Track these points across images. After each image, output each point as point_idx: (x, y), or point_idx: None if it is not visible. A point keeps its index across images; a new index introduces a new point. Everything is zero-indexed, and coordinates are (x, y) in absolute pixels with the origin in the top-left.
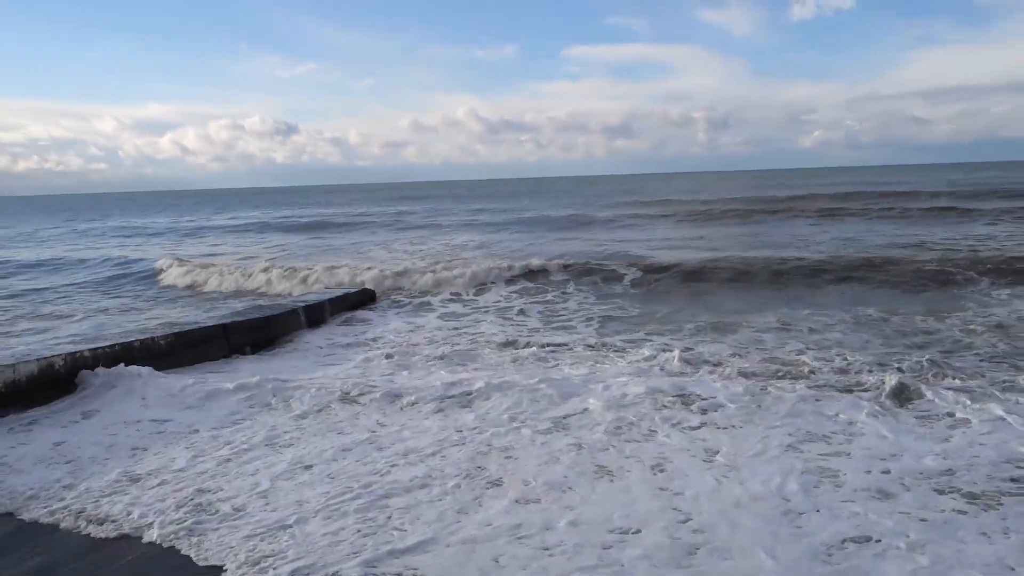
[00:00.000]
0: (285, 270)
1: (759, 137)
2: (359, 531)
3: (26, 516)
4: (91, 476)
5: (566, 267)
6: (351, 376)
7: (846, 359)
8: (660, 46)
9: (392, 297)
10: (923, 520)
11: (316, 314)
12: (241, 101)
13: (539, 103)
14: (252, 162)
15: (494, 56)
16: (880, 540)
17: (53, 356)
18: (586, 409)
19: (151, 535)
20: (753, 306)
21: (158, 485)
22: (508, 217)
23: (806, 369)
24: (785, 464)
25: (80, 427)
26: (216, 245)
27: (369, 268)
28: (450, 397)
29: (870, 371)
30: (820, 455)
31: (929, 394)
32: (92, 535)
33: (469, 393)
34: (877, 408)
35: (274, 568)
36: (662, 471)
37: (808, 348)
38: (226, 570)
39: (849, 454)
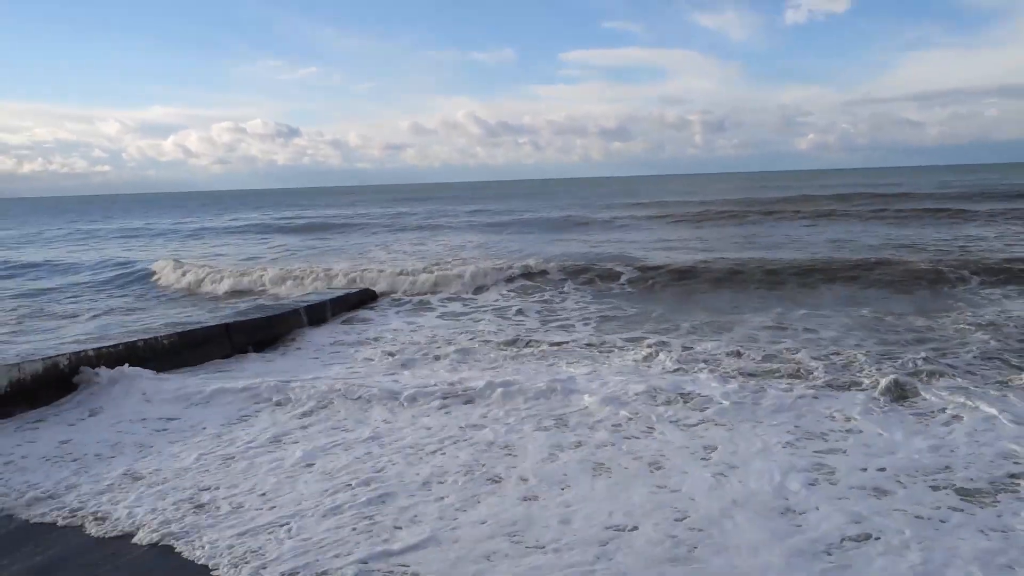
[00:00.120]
0: (285, 271)
1: (754, 140)
2: (356, 529)
3: (28, 515)
4: (95, 475)
5: (564, 268)
6: (352, 375)
7: (841, 358)
8: (656, 50)
9: (392, 297)
10: (919, 517)
11: (318, 314)
12: (243, 104)
13: (537, 106)
14: (254, 164)
15: (492, 59)
16: (878, 538)
17: (58, 356)
18: (585, 407)
19: (149, 535)
20: (749, 306)
21: (160, 484)
22: (506, 218)
23: (802, 368)
24: (782, 462)
25: (86, 426)
26: (218, 246)
27: (369, 269)
28: (450, 395)
29: (865, 370)
30: (816, 452)
31: (924, 392)
32: (92, 534)
33: (469, 391)
34: (873, 406)
35: (267, 568)
36: (659, 468)
37: (804, 347)
38: (220, 570)
39: (845, 451)
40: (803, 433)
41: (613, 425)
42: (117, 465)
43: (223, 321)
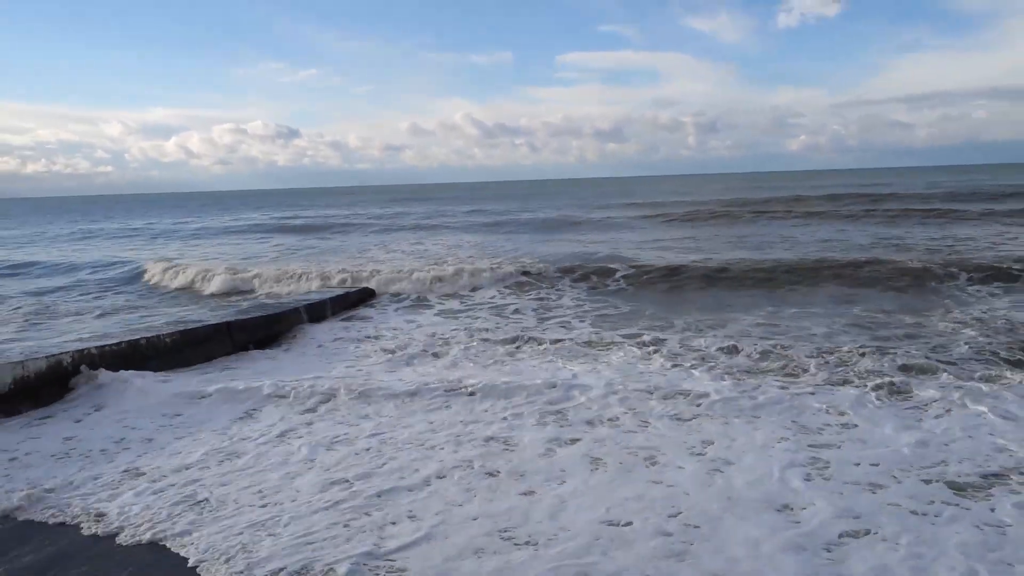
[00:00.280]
0: (285, 270)
1: (747, 141)
2: (350, 527)
3: (28, 513)
4: (96, 472)
5: (560, 267)
6: (352, 373)
7: (834, 355)
8: (651, 53)
9: (391, 296)
10: (913, 512)
11: (318, 312)
12: (244, 106)
13: (534, 108)
14: (254, 165)
15: (490, 62)
16: (873, 532)
17: (61, 353)
18: (582, 403)
19: (144, 533)
20: (741, 304)
21: (159, 481)
22: (504, 218)
23: (796, 364)
24: (777, 457)
25: (89, 423)
26: (218, 245)
27: (368, 268)
28: (450, 392)
29: (857, 366)
30: (811, 447)
31: (916, 388)
32: (89, 532)
33: (468, 388)
34: (865, 401)
35: (259, 566)
36: (655, 463)
37: (797, 344)
38: (210, 568)
39: (839, 446)
40: (797, 428)
41: (609, 420)
42: (118, 462)
43: (224, 320)
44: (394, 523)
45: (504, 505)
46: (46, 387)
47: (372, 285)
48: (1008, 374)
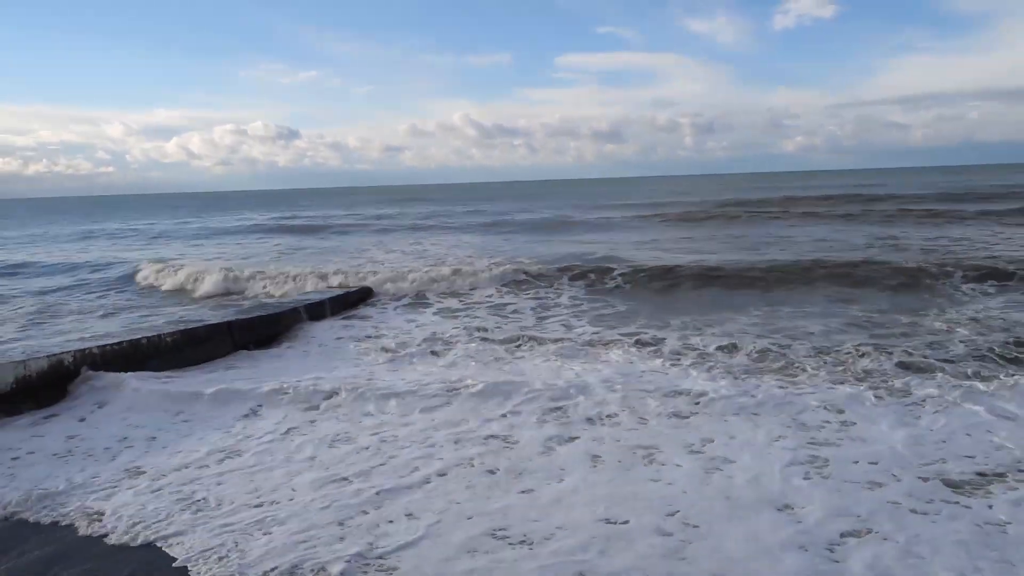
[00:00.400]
0: (285, 270)
1: (744, 141)
2: (345, 525)
3: (26, 513)
4: (96, 471)
5: (558, 266)
6: (353, 372)
7: (832, 354)
8: (648, 54)
9: (391, 296)
10: (913, 511)
11: (317, 312)
12: (245, 107)
13: (532, 109)
14: (255, 166)
15: (488, 63)
16: (871, 530)
17: (63, 353)
18: (580, 401)
19: (137, 533)
20: (739, 304)
21: (157, 481)
22: (502, 219)
23: (793, 363)
24: (775, 455)
25: (90, 423)
26: (220, 246)
27: (368, 268)
28: (449, 391)
29: (855, 365)
30: (809, 446)
31: (914, 386)
32: (84, 533)
33: (468, 387)
34: (863, 400)
35: (250, 567)
36: (653, 461)
37: (794, 343)
38: (202, 569)
39: (838, 445)
40: (796, 427)
41: (608, 418)
42: (118, 462)
43: (225, 319)
44: (391, 521)
45: (503, 504)
46: (48, 386)
47: (371, 285)
48: (1004, 373)
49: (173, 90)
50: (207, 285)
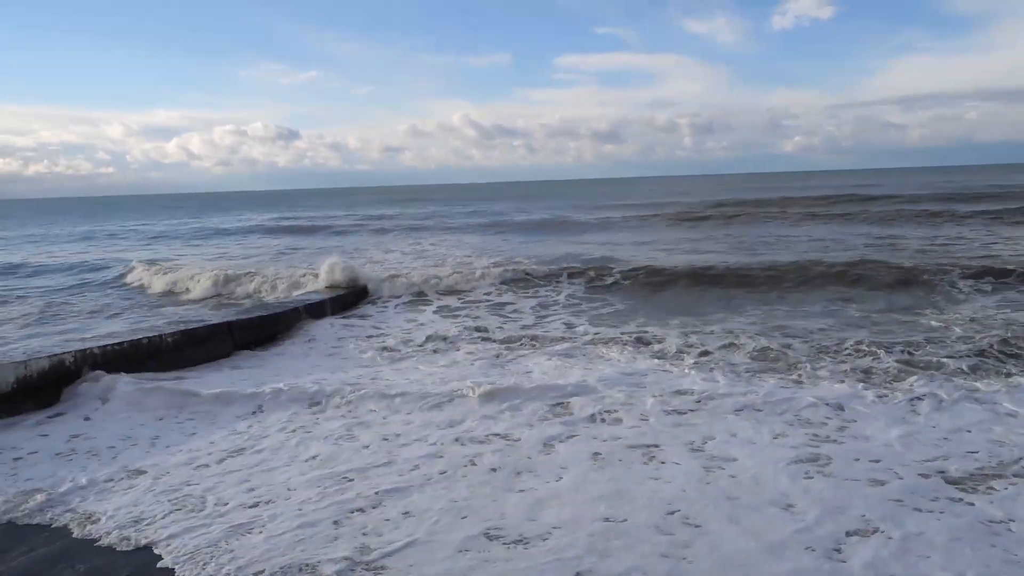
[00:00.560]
0: (284, 270)
1: (742, 142)
2: (344, 527)
3: (23, 514)
4: (94, 473)
5: (558, 266)
6: (353, 371)
7: (831, 353)
8: (647, 55)
9: (390, 296)
10: (917, 509)
11: (318, 312)
12: (245, 107)
13: (531, 109)
14: (255, 166)
15: (488, 64)
16: (874, 528)
17: (64, 353)
18: (580, 400)
19: (135, 535)
20: (739, 303)
21: (157, 480)
22: (501, 219)
23: (793, 361)
24: (776, 454)
25: (90, 424)
26: (219, 246)
27: (367, 268)
28: (449, 390)
29: (855, 363)
30: (810, 444)
31: (913, 385)
32: (79, 535)
33: (468, 386)
34: (864, 398)
35: (244, 569)
36: (653, 459)
37: (794, 341)
38: (196, 570)
39: (839, 443)
40: (796, 425)
41: (608, 417)
42: (117, 463)
43: (225, 319)
44: (388, 520)
45: (502, 503)
46: (48, 387)
47: (371, 285)
48: (1003, 371)
49: (173, 90)
50: (208, 285)
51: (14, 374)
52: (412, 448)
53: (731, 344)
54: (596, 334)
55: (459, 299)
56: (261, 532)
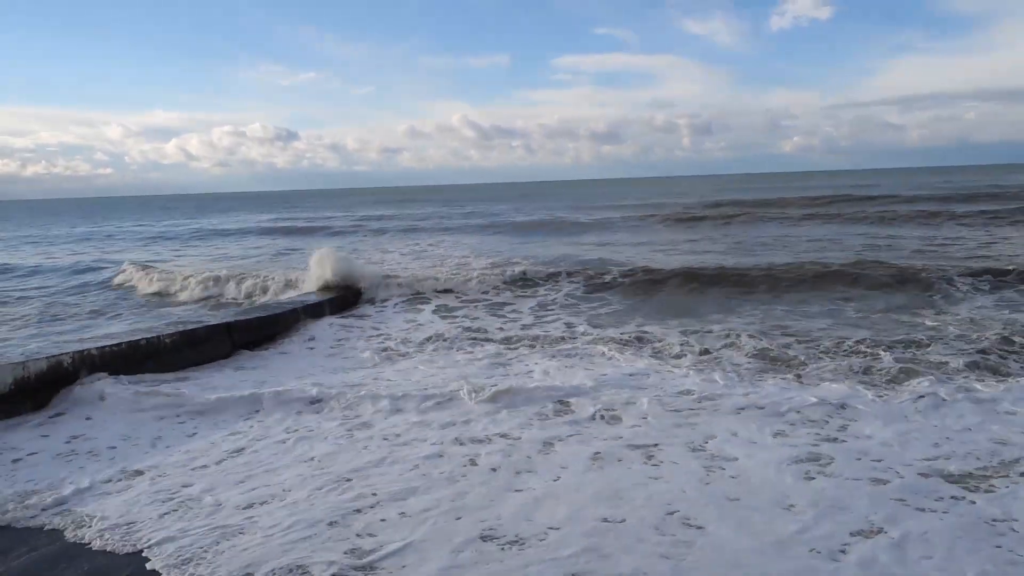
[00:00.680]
0: (283, 271)
1: (741, 142)
2: (339, 528)
3: (19, 517)
4: (91, 475)
5: (557, 267)
6: (352, 372)
7: (831, 353)
8: (646, 56)
9: (389, 296)
10: (920, 509)
11: (316, 312)
12: (244, 108)
13: (530, 110)
14: (254, 167)
15: (486, 65)
16: (876, 528)
17: (62, 354)
18: (579, 400)
19: (131, 536)
20: (738, 304)
21: (155, 481)
22: (500, 220)
23: (794, 361)
24: (777, 454)
25: (89, 425)
26: (218, 247)
27: (367, 268)
28: (449, 390)
29: (855, 363)
30: (811, 443)
31: (914, 384)
32: (71, 538)
33: (467, 386)
34: (865, 397)
35: (238, 572)
36: (652, 459)
37: (794, 341)
38: (188, 570)
39: (840, 443)
40: (797, 424)
41: (608, 417)
42: (115, 465)
43: (224, 320)
44: (384, 521)
45: (500, 503)
46: (47, 388)
47: (370, 286)
48: (1003, 370)
49: (172, 92)
50: (206, 286)
51: (12, 375)
52: (412, 448)
53: (731, 344)
54: (596, 334)
55: (457, 299)
56: (256, 533)
